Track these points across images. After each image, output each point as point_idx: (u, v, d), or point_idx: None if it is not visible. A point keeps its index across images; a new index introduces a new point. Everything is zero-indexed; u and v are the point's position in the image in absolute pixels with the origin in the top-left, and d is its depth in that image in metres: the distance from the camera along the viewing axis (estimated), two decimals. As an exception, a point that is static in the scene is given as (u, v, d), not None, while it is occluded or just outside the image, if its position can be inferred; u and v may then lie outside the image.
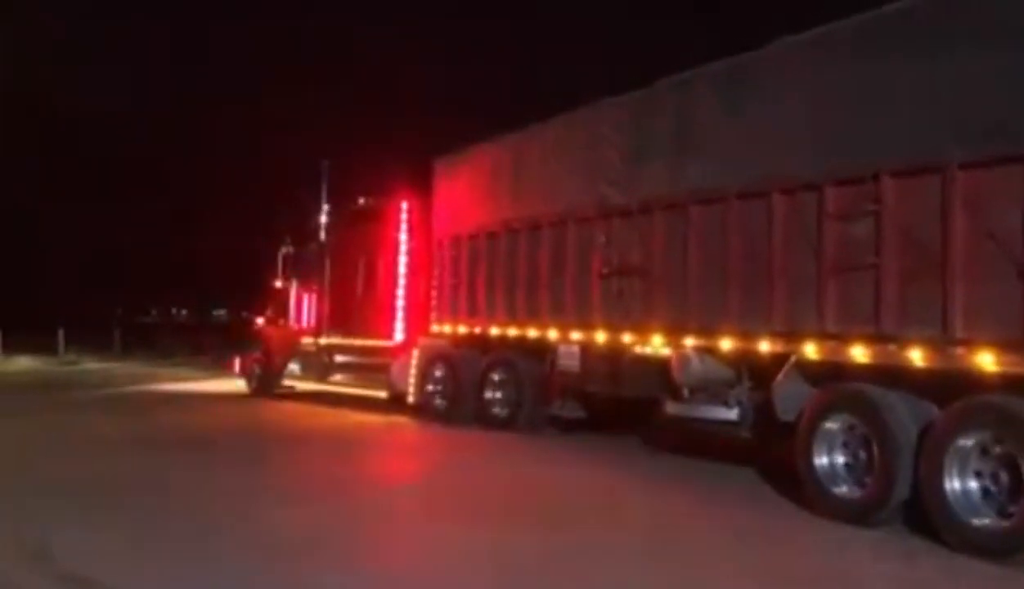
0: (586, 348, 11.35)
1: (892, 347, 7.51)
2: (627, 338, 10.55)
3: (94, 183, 47.34)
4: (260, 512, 7.90)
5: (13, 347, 29.12)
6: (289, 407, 16.24)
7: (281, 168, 33.49)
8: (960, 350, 7.01)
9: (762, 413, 8.96)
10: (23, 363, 27.17)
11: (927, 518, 7.11)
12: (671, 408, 9.97)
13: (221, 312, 20.86)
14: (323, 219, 17.63)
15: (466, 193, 14.03)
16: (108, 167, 47.93)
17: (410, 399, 14.53)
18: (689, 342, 9.63)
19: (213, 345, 22.52)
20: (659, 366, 10.04)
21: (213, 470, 9.95)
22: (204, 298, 53.73)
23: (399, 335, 15.10)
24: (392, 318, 15.19)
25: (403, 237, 15.21)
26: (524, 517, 7.92)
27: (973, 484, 6.91)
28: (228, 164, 43.86)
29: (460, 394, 13.50)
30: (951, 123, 7.13)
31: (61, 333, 29.18)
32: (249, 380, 18.44)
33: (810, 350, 8.22)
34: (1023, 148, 6.63)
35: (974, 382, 6.95)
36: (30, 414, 15.28)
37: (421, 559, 6.84)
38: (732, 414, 9.36)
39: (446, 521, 7.83)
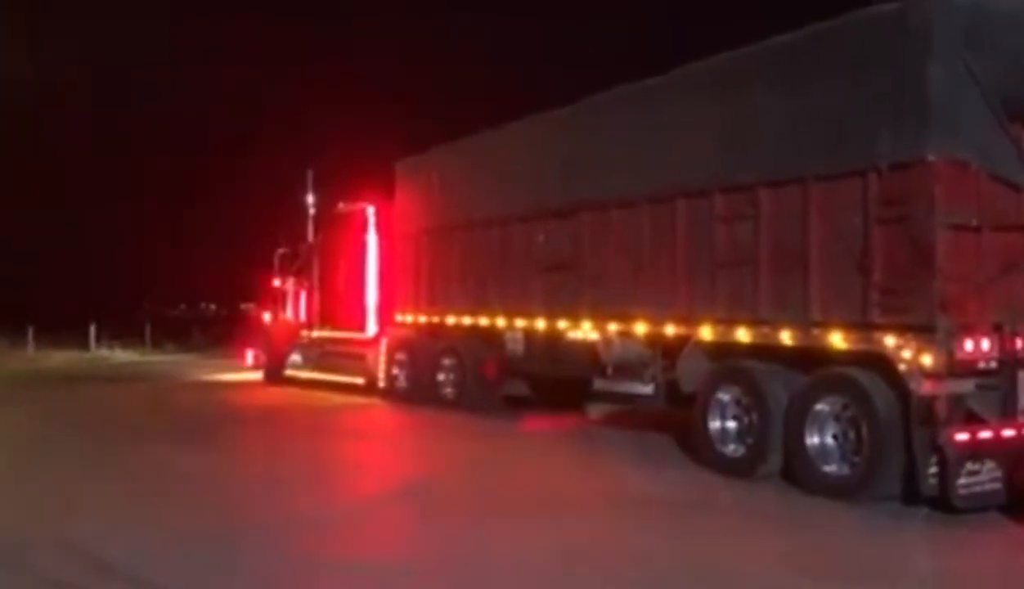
0: (529, 334, 12.82)
1: (767, 329, 9.03)
2: (562, 324, 12.02)
3: (122, 180, 48.51)
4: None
5: (45, 342, 29.84)
6: (288, 392, 17.86)
7: (278, 171, 34.64)
8: (817, 331, 8.54)
9: (673, 387, 10.43)
10: (56, 358, 27.66)
11: (790, 467, 8.66)
12: (598, 384, 11.43)
13: (250, 306, 21.96)
14: (310, 222, 19.54)
15: (423, 194, 15.44)
16: (132, 166, 49.11)
17: (380, 383, 16.08)
18: (612, 327, 11.10)
19: (236, 338, 24.05)
20: (588, 348, 11.51)
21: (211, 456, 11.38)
22: (231, 293, 54.17)
23: (372, 327, 16.76)
24: (365, 312, 16.77)
25: (371, 238, 16.84)
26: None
27: (828, 440, 8.44)
28: (246, 163, 45.17)
29: (418, 378, 15.04)
30: (808, 143, 8.63)
31: (92, 328, 30.06)
32: (261, 370, 20.19)
33: (706, 332, 9.72)
34: (860, 163, 8.13)
35: (829, 357, 8.47)
36: (77, 405, 16.55)
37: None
38: (648, 388, 10.80)
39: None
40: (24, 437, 12.65)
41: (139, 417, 14.62)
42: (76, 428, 13.33)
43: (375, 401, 15.88)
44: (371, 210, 16.89)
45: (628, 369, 11.02)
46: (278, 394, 17.71)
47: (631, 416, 11.97)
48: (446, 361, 14.49)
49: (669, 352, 10.42)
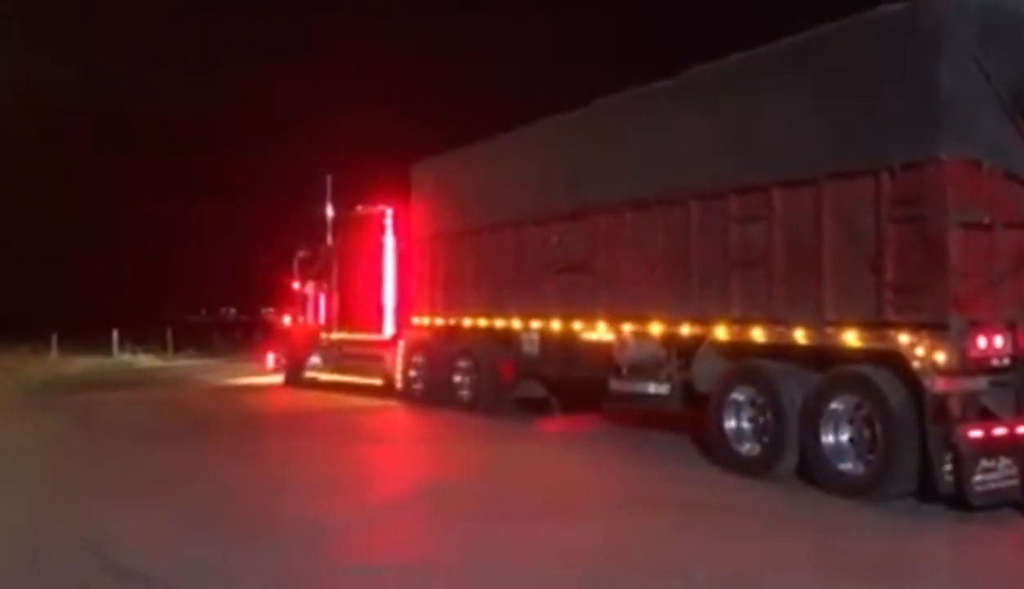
0: (544, 335, 12.88)
1: (781, 329, 9.07)
2: (577, 326, 12.08)
3: (142, 186, 48.96)
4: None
5: (68, 348, 30.10)
6: (308, 395, 18.10)
7: (298, 173, 34.82)
8: (831, 330, 8.57)
9: (688, 387, 10.48)
10: (80, 364, 27.87)
11: (805, 465, 8.70)
12: (614, 385, 11.47)
13: (271, 309, 22.30)
14: (329, 226, 19.85)
15: (439, 197, 15.56)
16: (154, 172, 49.55)
17: (397, 385, 16.23)
18: (627, 328, 11.16)
19: (257, 342, 24.40)
20: (603, 349, 11.57)
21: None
22: (252, 297, 54.16)
23: (389, 329, 16.89)
24: (382, 314, 16.91)
25: (389, 240, 16.99)
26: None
27: (843, 438, 8.47)
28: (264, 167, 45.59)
29: (435, 379, 15.16)
30: (821, 143, 8.67)
31: (115, 334, 30.35)
32: (282, 373, 20.44)
33: (720, 332, 9.77)
34: (873, 163, 8.16)
35: (843, 355, 8.51)
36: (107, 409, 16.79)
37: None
38: (664, 388, 10.84)
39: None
40: (53, 442, 12.79)
41: (164, 422, 14.72)
42: (103, 434, 13.49)
43: (392, 403, 16.02)
44: (388, 213, 17.06)
45: (643, 369, 11.06)
46: (297, 397, 17.91)
47: (647, 416, 12.01)
48: (462, 363, 14.59)
49: (684, 352, 10.47)
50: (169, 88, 49.45)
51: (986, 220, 7.79)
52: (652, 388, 10.93)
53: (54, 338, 30.36)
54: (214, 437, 12.89)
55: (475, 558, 6.74)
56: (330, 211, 21.07)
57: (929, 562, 6.84)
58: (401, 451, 12.44)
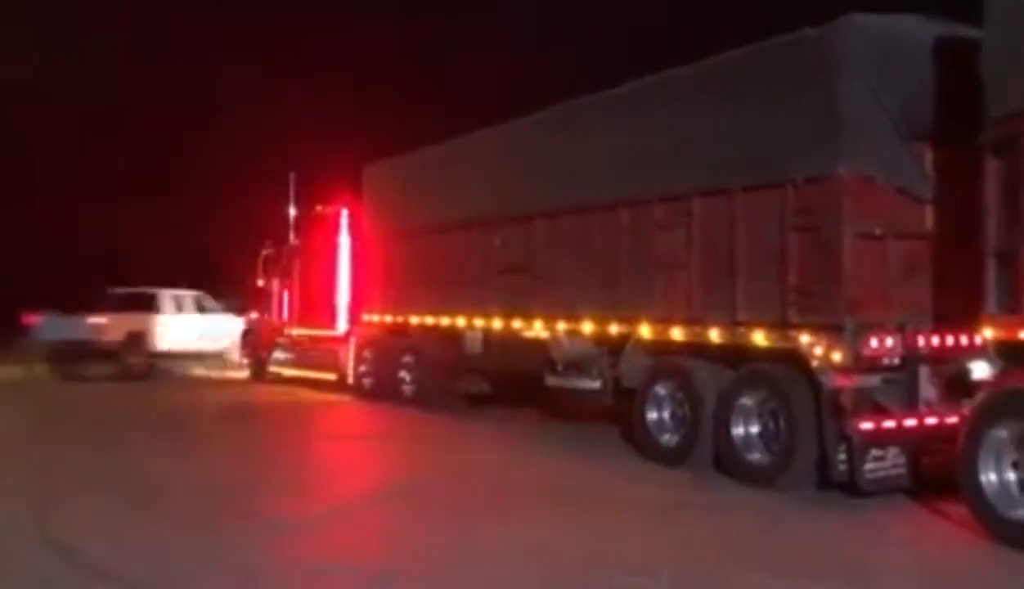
0: (487, 333, 13.50)
1: (699, 328, 9.76)
2: (517, 324, 12.71)
3: (102, 178, 48.46)
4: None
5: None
6: (270, 389, 18.70)
7: (264, 172, 34.79)
8: (742, 330, 9.27)
9: (617, 382, 11.12)
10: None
11: (718, 455, 9.39)
12: (550, 381, 12.11)
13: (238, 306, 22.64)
14: (291, 224, 20.42)
15: (389, 198, 16.13)
16: (110, 165, 49.13)
17: (349, 380, 16.80)
18: (561, 326, 11.80)
19: None
20: (541, 347, 12.20)
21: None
22: (220, 292, 53.68)
23: (343, 326, 17.45)
24: (336, 311, 17.53)
25: (344, 239, 17.61)
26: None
27: (752, 430, 9.17)
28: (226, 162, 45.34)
29: (382, 375, 15.78)
30: (736, 157, 9.36)
31: None
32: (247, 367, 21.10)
33: (644, 331, 10.44)
34: (779, 177, 8.87)
35: (752, 354, 9.21)
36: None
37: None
38: (596, 384, 11.47)
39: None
40: (15, 437, 13.03)
41: (128, 417, 14.95)
42: (66, 428, 13.72)
43: (344, 398, 16.57)
44: (344, 212, 17.64)
45: (577, 366, 11.69)
46: (258, 391, 18.48)
47: (582, 410, 12.64)
48: (407, 359, 15.19)
49: (613, 350, 11.10)
50: (129, 82, 49.11)
51: (878, 231, 8.52)
52: (586, 383, 11.55)
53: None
54: (172, 433, 13.11)
55: (431, 558, 6.75)
56: (292, 209, 21.60)
57: (878, 558, 6.97)
58: (344, 447, 12.66)
